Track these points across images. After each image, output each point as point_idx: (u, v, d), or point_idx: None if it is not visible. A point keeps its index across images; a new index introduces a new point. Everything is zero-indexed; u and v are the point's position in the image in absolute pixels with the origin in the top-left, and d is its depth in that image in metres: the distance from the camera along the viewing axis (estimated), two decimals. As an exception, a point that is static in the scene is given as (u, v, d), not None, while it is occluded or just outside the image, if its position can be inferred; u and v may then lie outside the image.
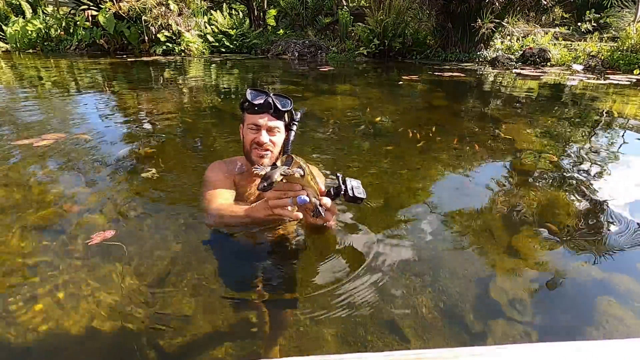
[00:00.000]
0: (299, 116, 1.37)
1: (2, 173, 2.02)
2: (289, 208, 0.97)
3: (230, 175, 1.43)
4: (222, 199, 1.31)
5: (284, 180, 0.93)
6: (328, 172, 1.98)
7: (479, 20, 7.16)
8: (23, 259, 1.32)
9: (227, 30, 9.06)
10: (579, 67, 7.00)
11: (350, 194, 1.04)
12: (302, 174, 0.92)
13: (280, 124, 1.33)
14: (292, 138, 1.34)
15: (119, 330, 1.03)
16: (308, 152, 2.38)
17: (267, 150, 1.32)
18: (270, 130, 1.31)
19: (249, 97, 1.28)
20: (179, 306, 1.12)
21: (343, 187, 1.05)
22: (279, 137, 1.34)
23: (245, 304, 1.13)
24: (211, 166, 1.48)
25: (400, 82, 5.45)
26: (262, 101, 1.28)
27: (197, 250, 1.36)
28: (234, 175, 1.44)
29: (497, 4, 7.13)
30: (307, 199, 0.95)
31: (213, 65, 7.18)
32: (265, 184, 0.87)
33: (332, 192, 1.06)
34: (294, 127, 1.36)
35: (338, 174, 1.11)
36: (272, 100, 1.29)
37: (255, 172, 0.96)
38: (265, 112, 1.29)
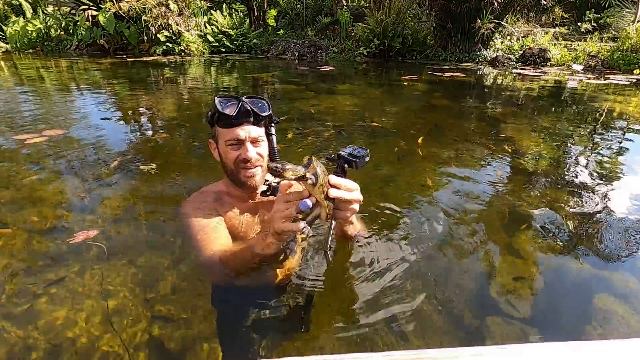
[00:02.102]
0: (272, 114, 1.17)
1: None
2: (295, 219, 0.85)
3: (212, 209, 1.18)
4: (219, 242, 1.08)
5: (293, 182, 0.83)
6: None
7: (479, 21, 7.16)
8: (4, 256, 1.32)
9: (227, 30, 9.06)
10: (578, 67, 7.00)
11: (354, 159, 0.89)
12: (314, 182, 0.80)
13: (262, 131, 1.15)
14: (275, 144, 1.17)
15: (96, 330, 1.03)
16: (307, 153, 2.38)
17: (257, 165, 1.14)
18: (254, 141, 1.12)
19: (219, 107, 1.07)
20: (165, 307, 1.12)
21: (341, 161, 0.90)
22: (265, 147, 1.16)
23: (242, 305, 1.13)
24: (184, 207, 1.21)
25: (400, 82, 5.45)
26: (237, 110, 1.07)
27: (186, 251, 1.35)
28: (215, 208, 1.19)
29: (496, 4, 7.13)
30: (310, 205, 0.83)
31: (213, 65, 7.18)
32: (278, 166, 0.76)
33: (339, 172, 0.90)
34: (273, 130, 1.17)
35: (329, 157, 0.95)
36: (249, 106, 1.08)
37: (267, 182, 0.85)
38: (244, 121, 1.09)
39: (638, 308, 1.15)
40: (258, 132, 1.12)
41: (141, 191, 1.84)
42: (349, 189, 0.86)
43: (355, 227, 1.11)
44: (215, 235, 1.10)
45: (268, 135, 1.17)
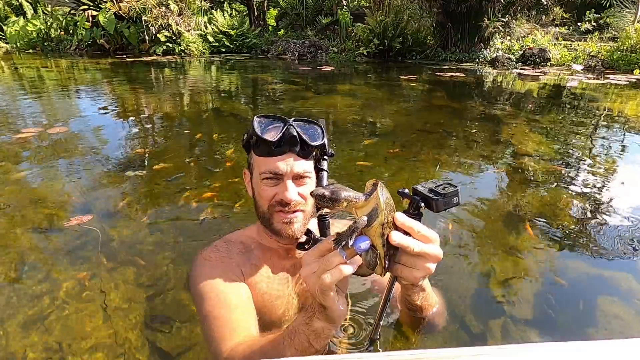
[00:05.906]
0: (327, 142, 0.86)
1: None
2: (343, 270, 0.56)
3: (237, 269, 0.88)
4: (242, 328, 0.79)
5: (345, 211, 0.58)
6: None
7: (486, 19, 7.15)
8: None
9: (227, 30, 9.06)
10: (578, 67, 7.00)
11: (434, 198, 0.63)
12: (366, 223, 0.56)
13: (309, 166, 0.85)
14: (326, 183, 0.85)
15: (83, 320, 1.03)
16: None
17: (298, 210, 0.84)
18: (298, 178, 0.83)
19: (258, 130, 0.80)
20: (156, 302, 1.12)
21: (416, 198, 0.64)
22: (311, 186, 0.85)
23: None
24: (200, 264, 0.89)
25: (400, 82, 5.45)
26: (281, 135, 0.80)
27: (177, 245, 1.36)
28: (240, 265, 0.89)
29: (498, 3, 7.13)
30: (368, 246, 0.57)
31: (213, 65, 7.18)
32: (326, 193, 0.53)
33: (411, 212, 0.64)
34: (325, 165, 0.87)
35: (400, 190, 0.66)
36: (296, 131, 0.81)
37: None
38: (288, 150, 0.81)
39: (638, 309, 1.15)
40: (304, 166, 0.83)
41: (138, 190, 1.84)
42: (424, 238, 0.60)
43: (428, 297, 0.78)
44: (238, 315, 0.81)
45: (318, 171, 0.87)
